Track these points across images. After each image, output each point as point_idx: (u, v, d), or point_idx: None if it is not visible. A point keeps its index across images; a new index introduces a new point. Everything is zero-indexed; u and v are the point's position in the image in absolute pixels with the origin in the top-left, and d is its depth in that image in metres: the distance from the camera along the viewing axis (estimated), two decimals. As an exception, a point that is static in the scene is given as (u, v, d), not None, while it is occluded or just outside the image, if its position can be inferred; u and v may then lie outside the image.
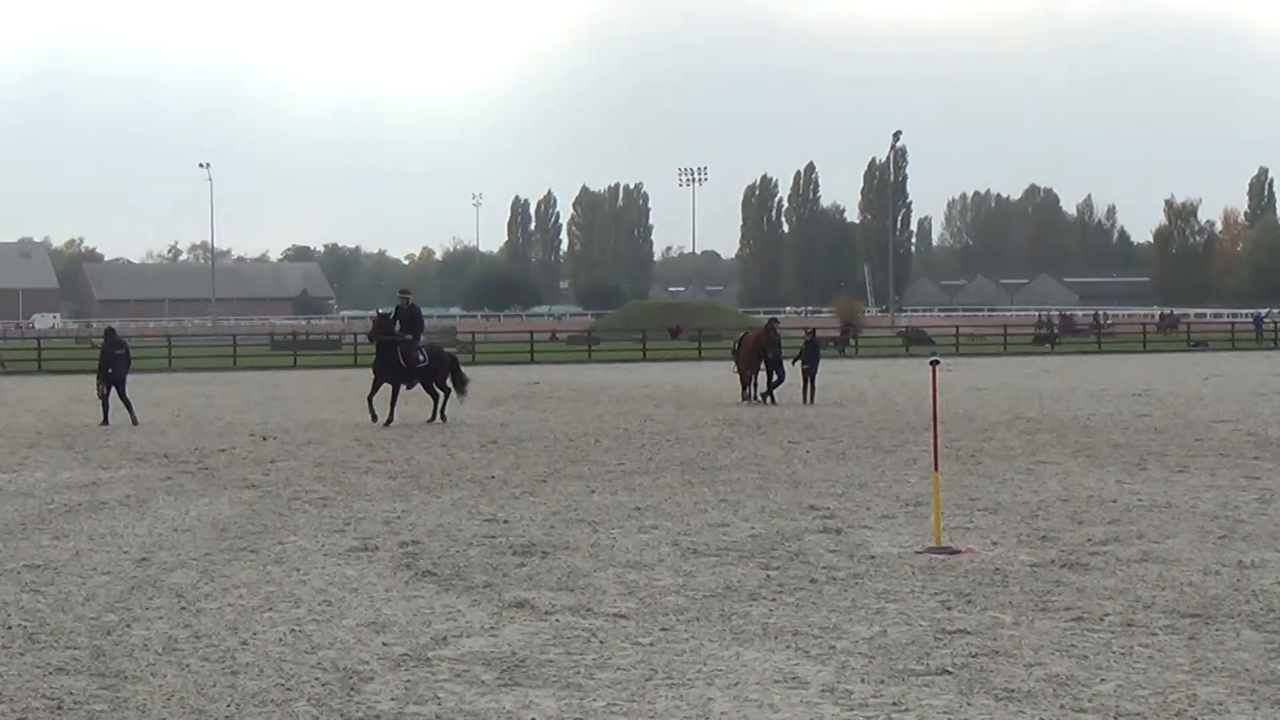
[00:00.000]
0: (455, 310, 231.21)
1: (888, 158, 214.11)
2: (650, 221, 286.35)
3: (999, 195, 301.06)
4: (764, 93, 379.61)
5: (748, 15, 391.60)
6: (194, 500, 21.94)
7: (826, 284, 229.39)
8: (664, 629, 12.85)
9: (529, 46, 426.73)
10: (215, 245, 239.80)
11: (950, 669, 11.32)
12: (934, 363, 18.57)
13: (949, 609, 13.50)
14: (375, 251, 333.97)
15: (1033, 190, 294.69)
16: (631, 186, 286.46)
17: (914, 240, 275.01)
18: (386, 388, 36.14)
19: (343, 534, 18.54)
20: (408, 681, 11.20)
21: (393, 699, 10.75)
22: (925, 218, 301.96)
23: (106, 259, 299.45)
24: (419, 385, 36.71)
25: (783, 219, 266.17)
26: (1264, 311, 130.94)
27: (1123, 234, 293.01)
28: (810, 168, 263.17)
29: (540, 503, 21.31)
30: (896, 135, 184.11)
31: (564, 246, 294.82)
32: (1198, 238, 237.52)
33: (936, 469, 17.65)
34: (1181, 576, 14.92)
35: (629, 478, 24.46)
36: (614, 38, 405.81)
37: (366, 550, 17.24)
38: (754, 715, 10.30)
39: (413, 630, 12.91)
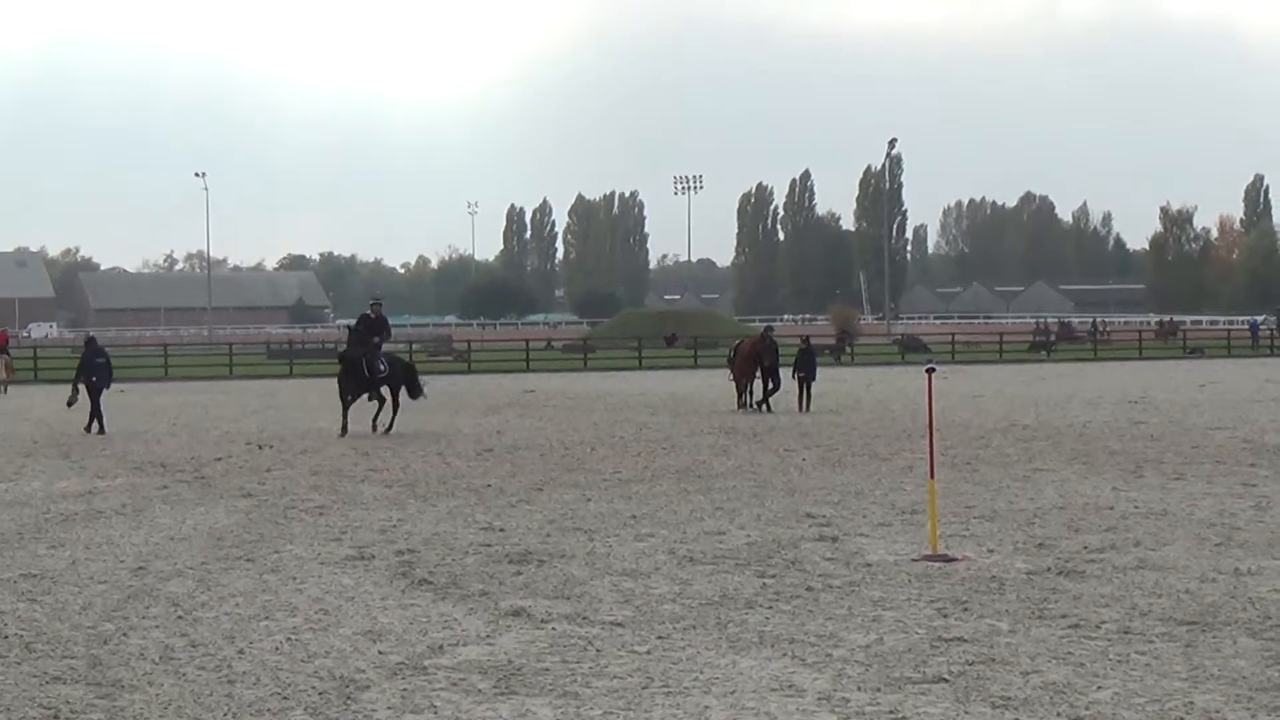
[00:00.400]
0: (451, 319, 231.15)
1: (883, 165, 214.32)
2: (646, 229, 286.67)
3: (994, 202, 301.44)
4: (759, 100, 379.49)
5: (743, 22, 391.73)
6: (190, 509, 21.94)
7: (822, 291, 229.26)
8: (660, 637, 12.84)
9: (525, 54, 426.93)
10: (211, 254, 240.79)
11: (947, 677, 11.32)
12: (930, 370, 18.60)
13: (945, 617, 13.50)
14: (371, 260, 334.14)
15: (1028, 197, 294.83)
16: (627, 194, 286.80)
17: (909, 248, 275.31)
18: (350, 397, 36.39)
19: (339, 543, 18.53)
20: (404, 690, 11.20)
21: (389, 708, 10.74)
22: (921, 225, 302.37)
23: (102, 268, 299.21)
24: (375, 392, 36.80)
25: (778, 226, 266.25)
26: (1260, 318, 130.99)
27: (1118, 241, 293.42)
28: (806, 175, 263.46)
29: (536, 511, 21.30)
30: (892, 143, 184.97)
31: (559, 254, 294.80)
32: (1193, 245, 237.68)
33: (933, 476, 17.65)
34: (1178, 584, 14.93)
35: (625, 486, 24.46)
36: (610, 45, 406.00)
37: (363, 559, 17.23)
38: (751, 723, 10.31)
39: (409, 639, 12.91)
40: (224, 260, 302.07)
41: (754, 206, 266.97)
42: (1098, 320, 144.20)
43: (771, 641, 12.60)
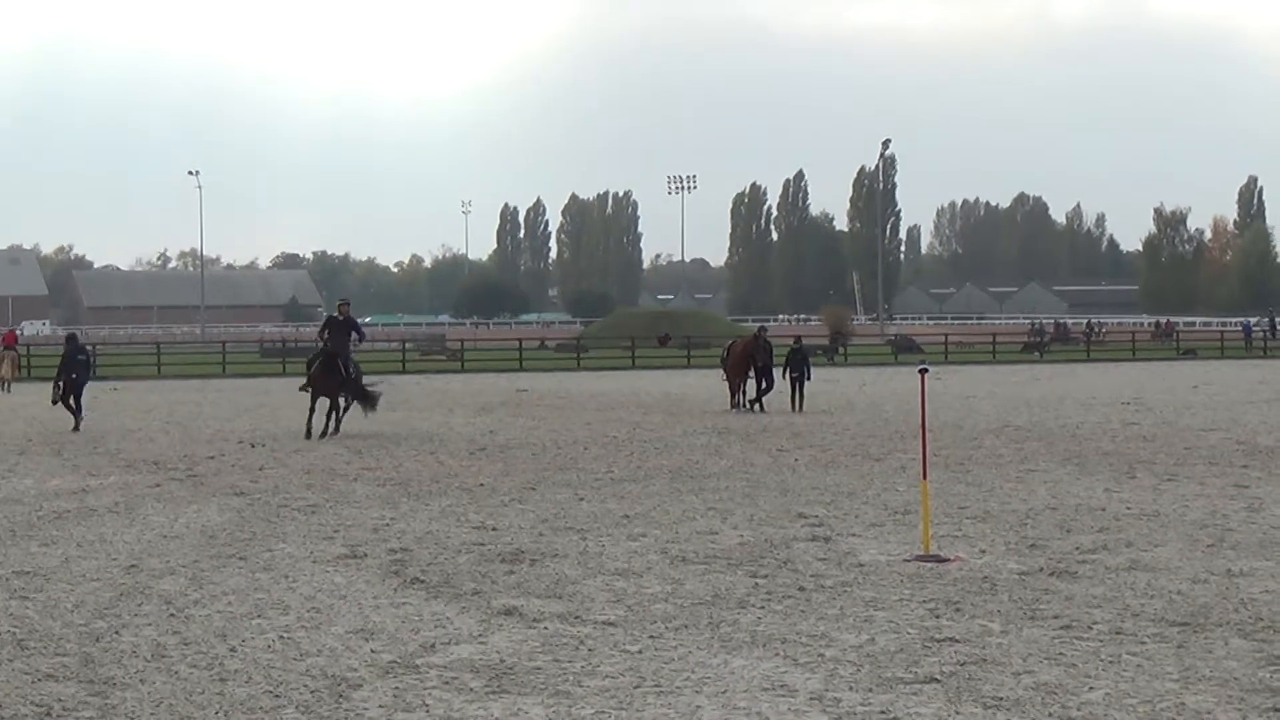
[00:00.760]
0: (444, 318, 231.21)
1: (877, 166, 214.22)
2: (639, 229, 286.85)
3: (988, 203, 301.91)
4: (753, 101, 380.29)
5: (737, 23, 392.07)
6: (183, 507, 21.92)
7: (815, 292, 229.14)
8: (652, 637, 12.84)
9: (519, 54, 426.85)
10: (204, 252, 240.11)
11: (938, 677, 11.32)
12: (923, 371, 18.60)
13: (937, 617, 13.50)
14: (364, 259, 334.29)
15: (1022, 198, 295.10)
16: (621, 194, 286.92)
17: (903, 248, 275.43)
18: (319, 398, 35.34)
19: (331, 541, 18.52)
20: (396, 689, 11.20)
21: (381, 706, 10.74)
22: (914, 226, 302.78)
23: (96, 266, 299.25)
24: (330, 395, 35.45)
25: (772, 227, 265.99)
26: (1253, 320, 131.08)
27: (1112, 242, 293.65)
28: (799, 176, 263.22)
29: (529, 510, 21.30)
30: (885, 143, 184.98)
31: (553, 254, 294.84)
32: (1187, 246, 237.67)
33: (925, 477, 17.66)
34: (1170, 585, 14.93)
35: (618, 485, 24.46)
36: (604, 44, 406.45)
37: (355, 557, 17.23)
38: (742, 723, 10.31)
39: (401, 637, 12.91)
40: (217, 259, 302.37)
41: (748, 207, 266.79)
42: (1093, 321, 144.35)
43: (763, 641, 12.60)
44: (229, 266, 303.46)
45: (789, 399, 43.26)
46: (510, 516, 20.64)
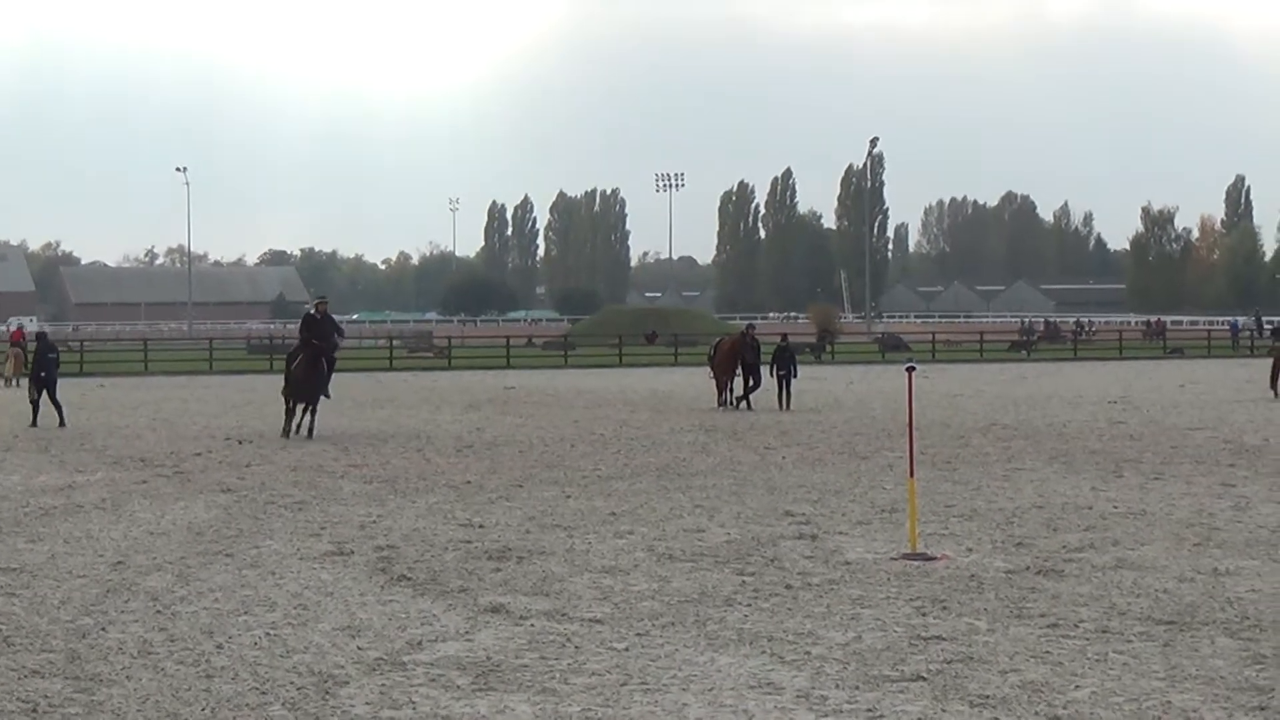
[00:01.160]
0: (432, 315, 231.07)
1: (865, 164, 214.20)
2: (627, 227, 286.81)
3: (976, 202, 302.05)
4: (741, 99, 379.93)
5: (726, 20, 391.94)
6: (169, 504, 21.90)
7: (803, 290, 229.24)
8: (639, 634, 12.85)
9: (506, 51, 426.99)
10: (192, 249, 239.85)
11: (925, 675, 11.33)
12: (910, 369, 18.62)
13: (924, 615, 13.51)
14: (352, 256, 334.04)
15: (1009, 197, 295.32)
16: (608, 192, 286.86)
17: (890, 246, 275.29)
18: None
19: (318, 538, 18.51)
20: (383, 686, 11.19)
21: (368, 703, 10.74)
22: (902, 224, 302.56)
23: (83, 262, 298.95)
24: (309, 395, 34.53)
25: (760, 225, 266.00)
26: (1239, 320, 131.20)
27: (1099, 241, 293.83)
28: (787, 174, 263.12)
29: (516, 508, 21.30)
30: (873, 141, 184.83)
31: (541, 251, 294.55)
32: (1174, 245, 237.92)
33: (912, 475, 17.68)
34: (1156, 583, 14.95)
35: (605, 483, 24.46)
36: (591, 42, 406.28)
37: (342, 554, 17.22)
38: (729, 721, 10.31)
39: (388, 634, 12.90)
40: (205, 255, 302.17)
41: (735, 204, 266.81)
42: (1081, 320, 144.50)
43: (750, 639, 12.60)
44: (216, 263, 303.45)
45: (776, 397, 43.25)
46: (497, 514, 20.64)
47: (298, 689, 11.11)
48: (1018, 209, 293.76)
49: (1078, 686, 10.99)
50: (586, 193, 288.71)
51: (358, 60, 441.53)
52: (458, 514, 20.66)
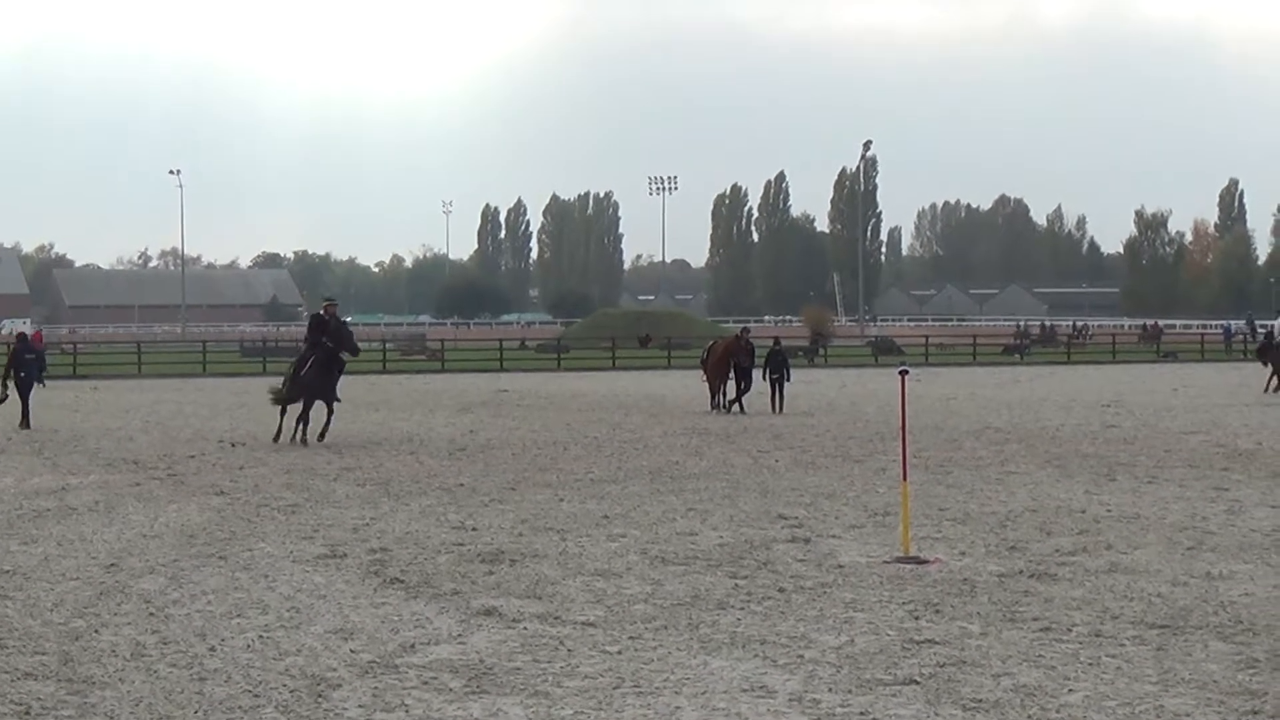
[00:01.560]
0: (425, 318, 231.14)
1: (858, 167, 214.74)
2: (620, 230, 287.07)
3: (969, 205, 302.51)
4: (734, 102, 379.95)
5: (718, 23, 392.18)
6: (163, 506, 21.89)
7: (796, 293, 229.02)
8: (632, 637, 12.84)
9: (499, 54, 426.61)
10: (185, 252, 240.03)
11: (918, 679, 11.33)
12: (903, 373, 18.61)
13: (917, 619, 13.51)
14: (345, 259, 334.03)
15: (1003, 200, 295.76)
16: (602, 195, 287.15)
17: (884, 250, 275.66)
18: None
19: (311, 541, 18.50)
20: (375, 689, 11.18)
21: (360, 706, 10.73)
22: (895, 227, 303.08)
23: (77, 265, 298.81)
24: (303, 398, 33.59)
25: (753, 228, 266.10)
26: (1232, 324, 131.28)
27: (1093, 245, 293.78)
28: (780, 177, 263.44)
29: (509, 510, 21.29)
30: (867, 145, 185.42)
31: (534, 254, 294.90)
32: (1168, 249, 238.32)
33: (905, 479, 17.66)
34: (1150, 587, 14.95)
35: (597, 486, 24.45)
36: (585, 45, 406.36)
37: (335, 557, 17.21)
38: (722, 724, 10.31)
39: (381, 637, 12.89)
40: (198, 258, 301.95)
41: (729, 208, 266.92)
42: (1077, 324, 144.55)
43: (743, 642, 12.60)
44: (210, 266, 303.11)
45: (769, 400, 43.27)
46: (490, 517, 20.63)
47: (290, 692, 11.10)
48: (1011, 212, 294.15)
49: (1071, 690, 10.98)
50: (580, 196, 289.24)
51: (351, 63, 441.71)
52: (451, 517, 20.65)
